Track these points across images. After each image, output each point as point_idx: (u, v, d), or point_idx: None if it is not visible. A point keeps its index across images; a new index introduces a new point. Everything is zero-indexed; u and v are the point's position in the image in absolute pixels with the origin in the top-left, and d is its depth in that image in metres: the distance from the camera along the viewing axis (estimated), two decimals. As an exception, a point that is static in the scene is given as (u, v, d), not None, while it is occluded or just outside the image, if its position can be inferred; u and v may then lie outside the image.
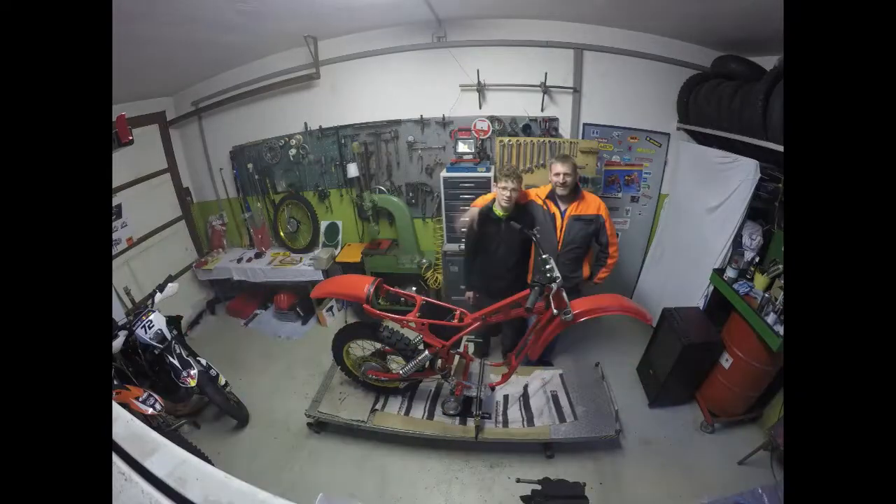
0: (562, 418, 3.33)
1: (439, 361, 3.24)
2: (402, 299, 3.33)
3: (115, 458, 0.85)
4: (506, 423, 3.35)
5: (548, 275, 2.68)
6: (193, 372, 3.25)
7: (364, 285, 2.91)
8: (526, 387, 3.65)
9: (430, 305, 3.13)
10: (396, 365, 3.35)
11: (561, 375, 3.73)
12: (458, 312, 3.08)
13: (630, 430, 3.52)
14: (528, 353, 3.18)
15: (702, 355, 3.39)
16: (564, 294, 2.71)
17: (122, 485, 0.81)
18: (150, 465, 0.85)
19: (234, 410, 3.57)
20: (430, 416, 3.42)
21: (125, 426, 0.95)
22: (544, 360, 4.02)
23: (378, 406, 3.50)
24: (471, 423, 3.27)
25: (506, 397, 3.56)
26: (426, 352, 3.11)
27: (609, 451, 3.35)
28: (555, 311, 2.68)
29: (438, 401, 3.54)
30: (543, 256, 2.75)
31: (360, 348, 3.47)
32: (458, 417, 3.37)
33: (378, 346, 3.39)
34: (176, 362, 3.23)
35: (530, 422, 3.34)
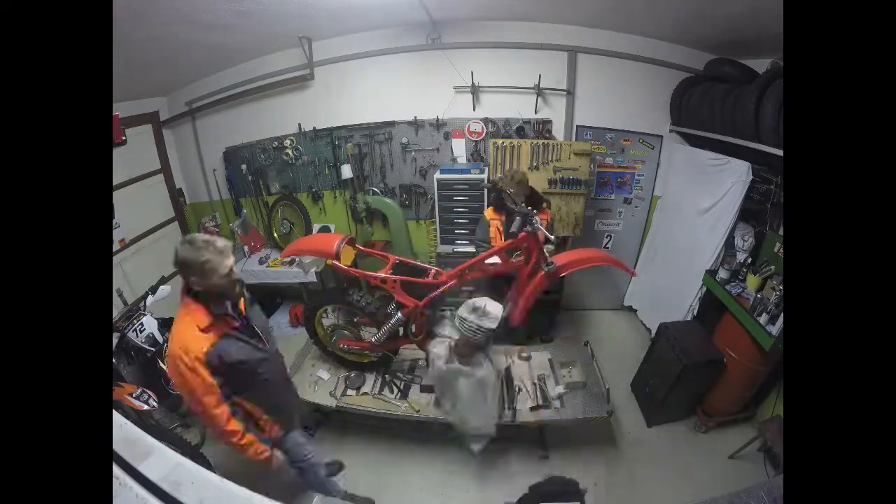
0: (548, 403, 3.18)
1: (413, 326, 3.12)
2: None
3: (109, 462, 0.84)
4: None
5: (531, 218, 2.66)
6: None
7: (333, 242, 2.88)
8: (509, 368, 3.48)
9: (402, 264, 3.03)
10: (369, 334, 3.25)
11: (550, 360, 3.59)
12: (432, 270, 2.99)
13: (624, 431, 3.54)
14: (511, 317, 2.93)
15: (703, 374, 3.31)
16: (545, 250, 2.68)
17: (117, 489, 0.80)
18: (145, 469, 0.85)
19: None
20: (405, 395, 3.28)
21: (119, 429, 0.94)
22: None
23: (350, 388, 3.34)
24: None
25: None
26: (399, 314, 2.98)
27: (604, 451, 3.37)
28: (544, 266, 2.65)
29: (414, 380, 3.39)
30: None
31: (333, 318, 3.39)
32: (435, 396, 3.20)
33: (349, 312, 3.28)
34: (166, 368, 3.20)
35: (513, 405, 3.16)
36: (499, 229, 3.39)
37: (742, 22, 3.16)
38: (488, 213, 3.51)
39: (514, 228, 2.70)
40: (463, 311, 2.75)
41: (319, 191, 5.01)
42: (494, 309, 2.70)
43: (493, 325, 2.68)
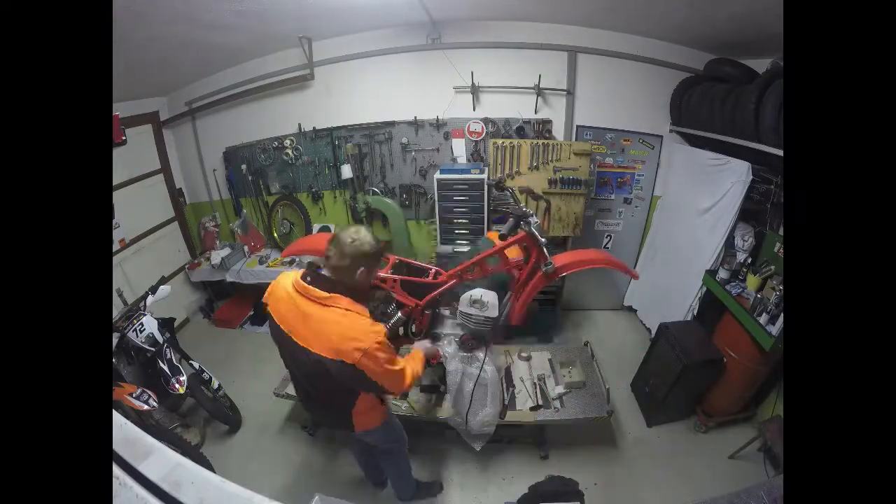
0: (548, 403, 3.18)
1: (413, 326, 3.10)
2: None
3: (109, 462, 0.84)
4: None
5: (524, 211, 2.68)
6: (182, 378, 3.21)
7: None
8: (509, 368, 3.50)
9: (402, 264, 3.03)
10: None
11: (550, 360, 3.58)
12: (433, 270, 2.99)
13: (624, 431, 3.54)
14: (510, 316, 2.98)
15: (703, 374, 3.31)
16: (545, 248, 2.69)
17: (117, 489, 0.80)
18: (145, 468, 0.85)
19: (225, 415, 3.54)
20: (404, 394, 3.22)
21: (119, 429, 0.94)
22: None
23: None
24: (446, 403, 3.11)
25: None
26: (398, 313, 2.94)
27: (604, 451, 3.37)
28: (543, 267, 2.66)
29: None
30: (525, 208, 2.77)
31: None
32: (433, 396, 3.21)
33: None
34: (166, 368, 3.20)
35: (514, 406, 3.17)
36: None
37: (742, 22, 3.16)
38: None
39: (504, 230, 2.72)
40: (464, 308, 2.82)
41: (319, 191, 5.01)
42: (492, 298, 2.77)
43: (496, 314, 2.72)
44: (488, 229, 4.24)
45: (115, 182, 4.25)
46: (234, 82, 4.59)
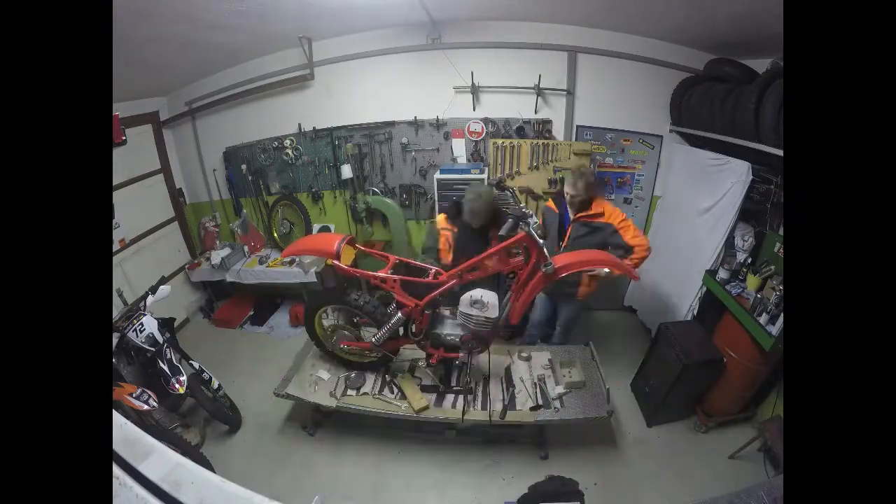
0: (548, 403, 3.17)
1: (413, 326, 3.14)
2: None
3: (109, 462, 0.84)
4: (485, 406, 3.17)
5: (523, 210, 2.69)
6: (182, 378, 3.21)
7: (333, 241, 2.89)
8: (509, 368, 3.51)
9: (402, 264, 3.05)
10: (369, 335, 3.25)
11: (550, 360, 3.57)
12: (433, 270, 3.00)
13: (624, 431, 3.54)
14: (510, 315, 2.97)
15: (703, 374, 3.31)
16: (545, 249, 2.68)
17: (117, 489, 0.80)
18: (145, 468, 0.85)
19: (225, 415, 3.54)
20: (405, 395, 3.22)
21: (119, 429, 0.94)
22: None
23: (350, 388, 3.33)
24: (447, 404, 3.15)
25: (486, 379, 3.40)
26: (399, 313, 3.00)
27: (604, 451, 3.36)
28: (543, 268, 2.66)
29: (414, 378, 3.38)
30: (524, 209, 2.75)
31: (333, 318, 3.40)
32: (435, 396, 3.22)
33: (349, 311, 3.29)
34: (166, 368, 3.19)
35: (514, 406, 3.17)
36: (448, 242, 3.38)
37: (742, 22, 3.16)
38: (440, 221, 3.46)
39: (503, 232, 2.71)
40: (465, 308, 2.83)
41: (319, 191, 5.01)
42: (492, 298, 2.79)
43: (496, 314, 2.73)
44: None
45: (115, 182, 4.25)
46: (234, 82, 4.59)
